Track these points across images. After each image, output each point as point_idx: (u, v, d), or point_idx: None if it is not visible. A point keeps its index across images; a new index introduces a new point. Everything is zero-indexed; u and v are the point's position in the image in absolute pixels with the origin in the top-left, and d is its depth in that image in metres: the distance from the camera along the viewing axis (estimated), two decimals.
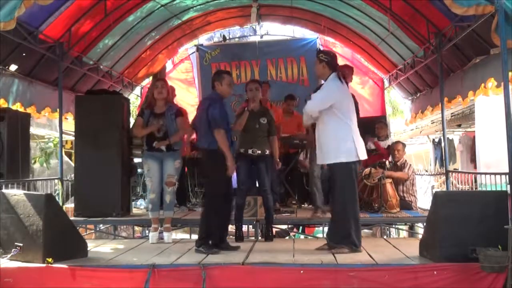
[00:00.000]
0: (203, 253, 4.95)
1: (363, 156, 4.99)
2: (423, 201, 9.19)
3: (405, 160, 7.50)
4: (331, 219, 5.24)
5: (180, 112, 5.94)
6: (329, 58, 5.08)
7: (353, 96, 6.77)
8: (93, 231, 8.02)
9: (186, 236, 8.06)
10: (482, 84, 6.24)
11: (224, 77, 5.27)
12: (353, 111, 5.08)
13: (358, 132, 5.02)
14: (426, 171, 13.52)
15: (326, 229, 8.38)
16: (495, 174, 6.18)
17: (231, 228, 5.81)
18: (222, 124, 5.06)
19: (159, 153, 5.77)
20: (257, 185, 6.09)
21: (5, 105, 6.77)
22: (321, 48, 10.87)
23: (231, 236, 7.01)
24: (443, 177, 8.83)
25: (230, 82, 5.33)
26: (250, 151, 5.78)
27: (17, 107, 7.00)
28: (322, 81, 5.25)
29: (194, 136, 8.94)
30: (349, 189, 4.93)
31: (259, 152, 5.79)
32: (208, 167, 5.27)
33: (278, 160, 6.03)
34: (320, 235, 8.38)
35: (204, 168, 5.43)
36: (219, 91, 5.26)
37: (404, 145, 7.66)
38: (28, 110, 7.24)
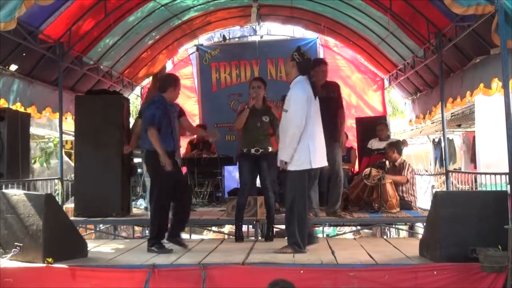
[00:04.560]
0: (155, 252, 5.07)
1: (317, 164, 4.99)
2: (423, 201, 9.19)
3: (404, 161, 7.50)
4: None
5: (183, 112, 5.95)
6: (300, 60, 4.99)
7: (338, 87, 6.70)
8: (93, 231, 8.02)
9: (186, 236, 8.04)
10: (481, 84, 6.23)
11: (178, 85, 5.35)
12: (317, 116, 5.02)
13: (319, 137, 5.01)
14: (426, 171, 13.51)
15: (326, 229, 8.42)
16: (495, 174, 6.17)
17: (231, 228, 5.81)
18: (153, 124, 5.09)
19: None
20: (258, 183, 6.07)
21: (6, 105, 6.77)
22: (322, 50, 10.91)
23: (231, 236, 7.03)
24: (443, 177, 8.83)
25: (179, 89, 5.42)
26: (252, 151, 5.76)
27: (17, 107, 7.00)
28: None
29: (194, 136, 8.99)
30: (298, 193, 4.96)
31: (262, 150, 5.77)
32: (149, 168, 5.37)
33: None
34: (320, 235, 8.38)
35: (147, 168, 5.48)
36: (168, 96, 5.28)
37: (398, 147, 7.60)
38: (29, 110, 7.23)
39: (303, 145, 4.89)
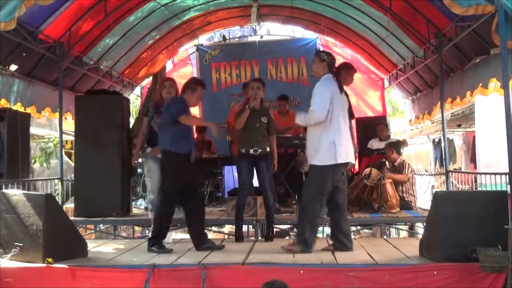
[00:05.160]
0: (155, 252, 5.06)
1: (343, 159, 4.94)
2: (423, 201, 9.19)
3: (403, 161, 7.49)
4: None
5: None
6: (330, 59, 5.10)
7: (346, 95, 6.76)
8: (93, 231, 8.02)
9: (186, 236, 8.03)
10: (480, 84, 6.24)
11: (198, 89, 5.30)
12: (343, 113, 5.04)
13: (345, 134, 5.01)
14: (426, 171, 13.51)
15: (326, 229, 8.42)
16: (495, 174, 6.18)
17: (231, 228, 5.80)
18: (179, 113, 5.12)
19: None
20: (257, 183, 6.08)
21: (7, 105, 6.77)
22: (321, 49, 10.90)
23: (231, 236, 7.02)
24: (443, 177, 8.83)
25: (201, 96, 5.39)
26: (251, 151, 5.77)
27: (18, 107, 7.00)
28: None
29: (194, 136, 8.98)
30: (316, 190, 4.96)
31: (261, 150, 5.78)
32: (163, 167, 5.36)
33: (275, 162, 6.00)
34: (320, 235, 8.38)
35: (161, 167, 5.49)
36: (187, 99, 5.30)
37: (397, 147, 7.58)
38: (28, 110, 7.23)
39: (328, 141, 4.88)
